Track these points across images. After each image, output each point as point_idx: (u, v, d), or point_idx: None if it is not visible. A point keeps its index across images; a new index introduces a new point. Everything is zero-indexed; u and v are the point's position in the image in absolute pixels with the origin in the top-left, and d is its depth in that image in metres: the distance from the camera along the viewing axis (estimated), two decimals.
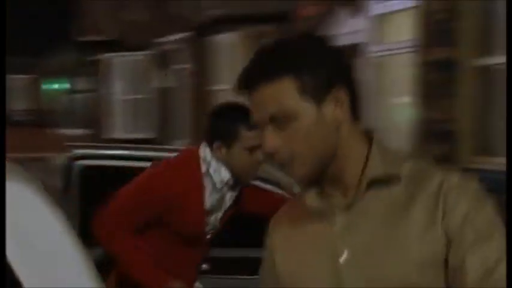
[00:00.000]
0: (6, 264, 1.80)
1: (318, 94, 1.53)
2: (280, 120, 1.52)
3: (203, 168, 3.04)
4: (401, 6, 9.18)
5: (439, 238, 1.48)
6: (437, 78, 8.22)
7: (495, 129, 7.63)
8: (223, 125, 3.01)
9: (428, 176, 1.53)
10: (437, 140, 8.17)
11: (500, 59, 7.44)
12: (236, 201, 3.23)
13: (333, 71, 1.56)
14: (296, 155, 1.53)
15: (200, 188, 3.04)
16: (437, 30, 8.24)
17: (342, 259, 1.54)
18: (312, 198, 1.59)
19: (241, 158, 2.99)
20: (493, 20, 7.78)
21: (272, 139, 1.53)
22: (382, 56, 9.75)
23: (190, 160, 3.06)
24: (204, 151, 3.05)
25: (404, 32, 9.16)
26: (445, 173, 1.53)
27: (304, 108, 1.52)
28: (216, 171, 3.03)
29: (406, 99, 9.02)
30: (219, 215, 3.16)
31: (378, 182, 1.53)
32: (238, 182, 3.10)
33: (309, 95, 1.52)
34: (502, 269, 1.47)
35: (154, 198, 3.00)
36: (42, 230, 1.72)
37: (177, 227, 3.04)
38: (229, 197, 3.17)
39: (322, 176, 1.56)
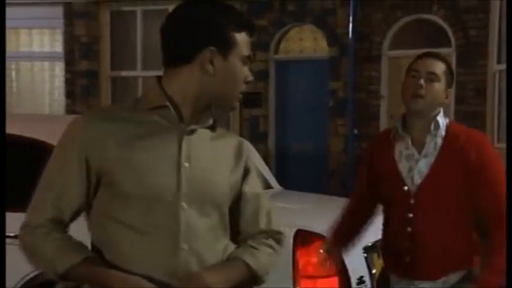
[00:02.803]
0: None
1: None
2: None
3: None
4: (42, 25, 12.11)
5: (239, 178, 2.14)
6: (84, 82, 11.57)
7: None
8: None
9: (228, 135, 2.18)
10: None
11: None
12: None
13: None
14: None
15: None
16: (83, 48, 11.56)
17: (183, 166, 2.02)
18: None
19: None
20: (128, 43, 11.47)
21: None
22: (20, 61, 12.48)
23: None
24: None
25: (48, 45, 12.19)
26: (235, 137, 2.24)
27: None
28: None
29: (57, 96, 12.10)
30: None
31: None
32: None
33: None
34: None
35: None
36: None
37: None
38: None
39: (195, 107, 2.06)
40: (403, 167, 3.06)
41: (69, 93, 11.72)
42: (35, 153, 4.31)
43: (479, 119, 9.45)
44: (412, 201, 3.03)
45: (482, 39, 9.44)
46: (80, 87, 11.64)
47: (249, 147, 5.20)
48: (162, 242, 1.99)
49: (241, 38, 2.04)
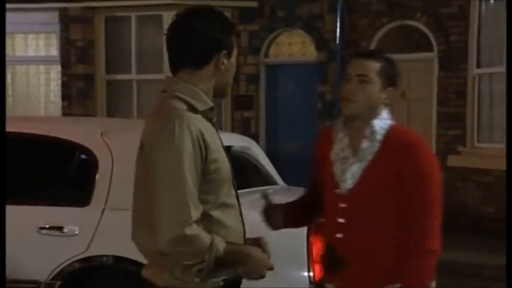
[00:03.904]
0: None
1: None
2: None
3: None
4: (38, 30, 12.43)
5: None
6: (80, 85, 11.94)
7: None
8: None
9: None
10: None
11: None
12: None
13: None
14: None
15: None
16: (79, 52, 11.93)
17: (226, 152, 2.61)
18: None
19: None
20: (123, 47, 11.86)
21: None
22: (15, 65, 12.79)
23: None
24: None
25: (43, 50, 12.54)
26: None
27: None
28: None
29: (52, 99, 12.47)
30: None
31: None
32: None
33: None
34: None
35: None
36: None
37: None
38: None
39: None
40: (337, 169, 2.94)
41: (65, 96, 12.08)
42: (66, 152, 4.73)
43: (460, 120, 9.95)
44: (343, 206, 2.92)
45: (463, 44, 9.92)
46: (76, 90, 12.01)
47: (256, 146, 5.61)
48: (239, 211, 2.61)
49: (234, 39, 2.60)
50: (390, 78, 2.94)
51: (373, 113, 2.92)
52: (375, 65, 2.90)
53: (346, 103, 2.91)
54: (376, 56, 2.97)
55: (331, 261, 2.98)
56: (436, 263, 2.86)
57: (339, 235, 2.93)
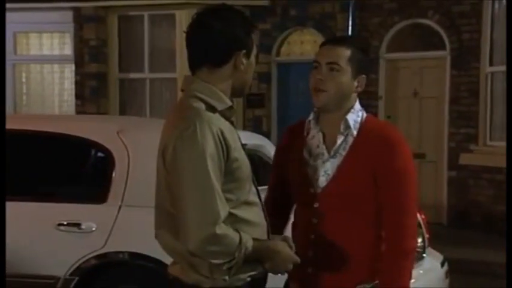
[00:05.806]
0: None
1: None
2: None
3: None
4: (52, 29, 12.53)
5: None
6: (93, 84, 12.03)
7: None
8: None
9: None
10: None
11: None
12: None
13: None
14: None
15: None
16: (93, 51, 12.02)
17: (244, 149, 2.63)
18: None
19: None
20: (135, 46, 11.94)
21: None
22: (30, 63, 12.89)
23: None
24: None
25: (57, 48, 12.64)
26: None
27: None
28: None
29: (66, 97, 12.56)
30: None
31: None
32: None
33: None
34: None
35: None
36: None
37: None
38: None
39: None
40: (310, 167, 2.80)
41: (79, 95, 12.19)
42: (83, 150, 4.81)
43: (472, 118, 9.97)
44: (316, 205, 2.78)
45: (475, 42, 9.93)
46: (89, 89, 12.11)
47: (270, 143, 5.69)
48: (261, 207, 2.61)
49: (254, 39, 2.56)
50: (361, 65, 2.78)
51: (346, 103, 2.79)
52: (345, 52, 2.75)
53: (316, 94, 2.76)
54: (346, 43, 2.81)
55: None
56: (413, 262, 2.78)
57: (312, 236, 2.80)
